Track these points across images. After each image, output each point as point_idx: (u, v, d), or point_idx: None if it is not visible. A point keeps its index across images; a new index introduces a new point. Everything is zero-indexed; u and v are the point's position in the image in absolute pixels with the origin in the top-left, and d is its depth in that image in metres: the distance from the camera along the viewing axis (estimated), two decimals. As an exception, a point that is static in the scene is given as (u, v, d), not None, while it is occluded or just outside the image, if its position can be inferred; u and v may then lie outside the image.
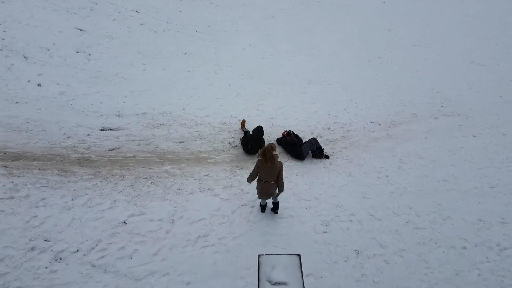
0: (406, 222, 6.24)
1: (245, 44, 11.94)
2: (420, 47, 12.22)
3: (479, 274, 5.43)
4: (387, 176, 7.39)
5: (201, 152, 7.76)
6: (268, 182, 5.69)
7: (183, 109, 8.85)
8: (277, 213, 6.28)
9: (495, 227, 6.04)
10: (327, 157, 7.85)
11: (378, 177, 7.37)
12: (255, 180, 5.84)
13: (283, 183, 5.74)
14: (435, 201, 6.59)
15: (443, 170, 7.37)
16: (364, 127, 9.23)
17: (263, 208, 6.36)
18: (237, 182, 6.90)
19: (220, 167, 7.32)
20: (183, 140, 8.00)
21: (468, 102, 9.75)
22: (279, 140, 8.19)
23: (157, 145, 7.82)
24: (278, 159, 5.63)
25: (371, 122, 9.43)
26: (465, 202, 6.55)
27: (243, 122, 8.53)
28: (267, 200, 6.32)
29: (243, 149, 7.89)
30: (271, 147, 5.54)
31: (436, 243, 5.87)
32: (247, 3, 13.86)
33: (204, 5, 13.37)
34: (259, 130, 7.99)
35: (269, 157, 5.45)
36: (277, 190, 5.85)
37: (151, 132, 8.11)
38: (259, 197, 5.96)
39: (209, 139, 8.11)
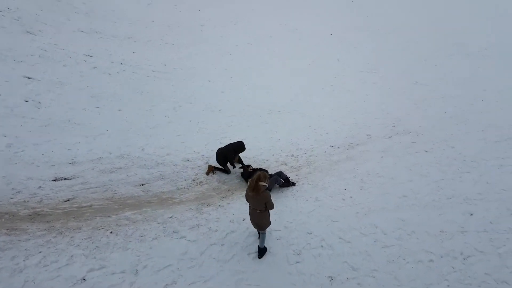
0: (374, 242, 6.33)
1: (203, 80, 12.08)
2: (367, 73, 12.97)
3: (448, 285, 5.56)
4: (351, 197, 7.53)
5: (163, 193, 7.53)
6: (255, 210, 5.61)
7: (142, 149, 8.64)
8: (260, 257, 6.07)
9: (457, 237, 6.27)
10: (293, 184, 7.92)
11: (343, 199, 7.49)
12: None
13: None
14: (399, 217, 6.77)
15: (402, 186, 7.65)
16: (325, 151, 9.47)
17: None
18: (204, 221, 6.72)
19: (185, 206, 7.12)
20: (144, 183, 7.75)
21: (417, 120, 10.36)
22: (243, 174, 8.17)
23: (115, 190, 7.50)
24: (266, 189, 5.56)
25: (331, 146, 9.70)
26: (426, 215, 6.79)
27: (210, 168, 8.33)
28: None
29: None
30: (260, 176, 5.48)
31: (404, 259, 5.97)
32: (202, 41, 14.17)
33: (159, 45, 13.49)
34: (235, 144, 8.01)
35: (254, 186, 5.41)
36: (266, 225, 5.72)
37: (108, 178, 7.79)
38: (251, 223, 5.86)
39: (172, 178, 7.92)
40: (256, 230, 6.15)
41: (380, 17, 16.57)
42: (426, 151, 8.86)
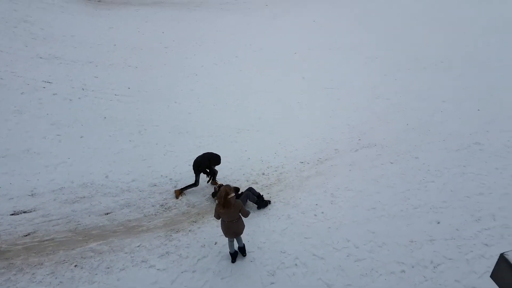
0: (347, 256, 6.33)
1: (169, 101, 11.95)
2: (332, 90, 13.32)
3: (421, 295, 5.61)
4: (322, 213, 7.55)
5: (130, 221, 7.24)
6: (231, 221, 5.67)
7: (106, 176, 8.33)
8: (245, 255, 6.25)
9: (426, 246, 6.39)
10: (269, 202, 7.82)
11: (315, 215, 7.49)
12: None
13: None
14: (369, 230, 6.84)
15: (370, 199, 7.76)
16: (295, 168, 9.52)
17: (233, 257, 6.15)
18: (174, 248, 6.49)
19: (153, 234, 6.86)
20: (109, 211, 7.43)
21: (381, 133, 10.67)
22: (214, 195, 8.02)
23: (78, 221, 7.14)
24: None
25: (300, 162, 9.78)
26: (395, 226, 6.90)
27: (177, 192, 8.08)
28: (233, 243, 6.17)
29: None
30: (226, 191, 5.52)
31: (377, 272, 5.99)
32: (166, 62, 14.10)
33: (122, 68, 13.28)
34: (212, 155, 7.99)
35: (224, 202, 5.46)
36: (243, 228, 5.87)
37: (70, 208, 7.42)
38: (225, 236, 5.86)
39: (138, 205, 7.65)
40: (231, 238, 6.12)
41: (340, 35, 17.20)
42: (391, 163, 9.09)
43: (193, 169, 7.99)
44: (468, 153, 9.15)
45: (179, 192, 8.00)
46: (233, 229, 5.79)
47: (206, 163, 8.00)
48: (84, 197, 7.74)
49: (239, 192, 7.90)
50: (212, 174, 8.29)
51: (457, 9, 19.83)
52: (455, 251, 6.25)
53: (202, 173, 8.11)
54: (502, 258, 3.13)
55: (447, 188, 7.91)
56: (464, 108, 11.43)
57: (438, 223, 6.93)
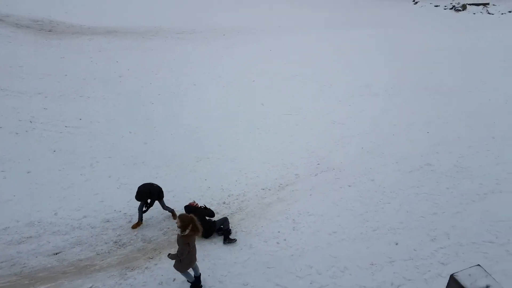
0: (310, 283, 6.23)
1: (123, 131, 11.56)
2: (290, 115, 13.59)
3: (384, 319, 5.59)
4: (285, 240, 7.46)
5: (81, 260, 6.72)
6: (194, 245, 5.76)
7: (55, 214, 7.76)
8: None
9: (386, 268, 6.46)
10: (235, 240, 7.49)
11: (278, 243, 7.39)
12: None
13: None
14: (331, 255, 6.82)
15: (331, 223, 7.81)
16: (257, 195, 9.44)
17: (199, 280, 6.09)
18: (129, 287, 6.06)
19: (106, 273, 6.40)
20: (58, 251, 6.88)
21: (338, 157, 10.94)
22: (188, 209, 7.58)
23: (24, 264, 6.54)
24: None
25: (262, 189, 9.72)
26: (355, 249, 6.95)
27: (134, 226, 7.68)
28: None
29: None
30: (192, 217, 5.61)
31: (341, 298, 5.94)
32: (121, 92, 13.76)
33: (73, 98, 12.78)
34: (158, 188, 7.70)
35: (196, 227, 5.52)
36: None
37: (16, 250, 6.81)
38: (191, 266, 5.79)
39: (90, 242, 7.15)
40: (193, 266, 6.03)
41: (296, 63, 17.81)
42: (349, 186, 9.28)
43: (140, 197, 7.58)
44: (420, 174, 9.56)
45: (136, 226, 7.64)
46: (195, 251, 5.83)
47: (155, 196, 7.70)
48: (31, 236, 7.14)
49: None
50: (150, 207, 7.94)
51: (405, 39, 21.37)
52: (414, 272, 6.36)
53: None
54: (452, 279, 3.20)
55: (403, 209, 8.16)
56: (414, 131, 12.07)
57: (397, 244, 7.07)
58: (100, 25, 19.45)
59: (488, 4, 28.05)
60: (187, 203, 7.75)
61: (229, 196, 9.27)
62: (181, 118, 12.71)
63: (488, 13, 26.61)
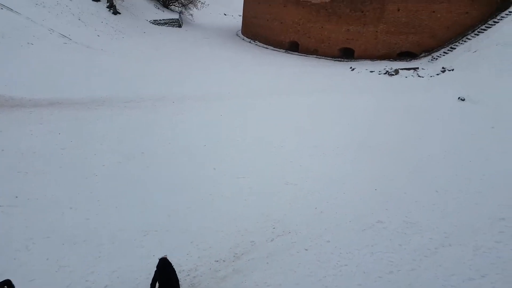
0: None
1: (63, 208, 10.70)
2: (243, 178, 13.49)
3: None
4: (241, 319, 6.88)
5: None
6: None
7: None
8: None
9: None
10: None
11: (234, 323, 6.77)
12: None
13: None
14: (292, 331, 6.34)
15: (290, 293, 7.40)
16: (210, 268, 8.88)
17: None
18: None
19: None
20: None
21: (293, 219, 10.80)
22: None
23: None
24: None
25: (215, 261, 9.19)
26: (317, 322, 6.54)
27: None
28: None
29: None
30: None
31: None
32: (62, 165, 12.97)
33: (9, 176, 11.83)
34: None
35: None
36: None
37: None
38: None
39: None
40: None
41: (246, 126, 18.22)
42: (306, 250, 9.06)
43: None
44: (373, 232, 9.64)
45: None
46: None
47: None
48: None
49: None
50: None
51: (347, 102, 22.97)
52: None
53: None
54: None
55: (360, 270, 8.02)
56: (363, 189, 12.41)
57: (357, 310, 6.78)
58: (43, 97, 18.88)
59: (417, 68, 31.45)
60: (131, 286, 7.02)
61: (179, 272, 8.57)
62: (127, 189, 12.09)
63: (419, 76, 29.74)
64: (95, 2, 41.42)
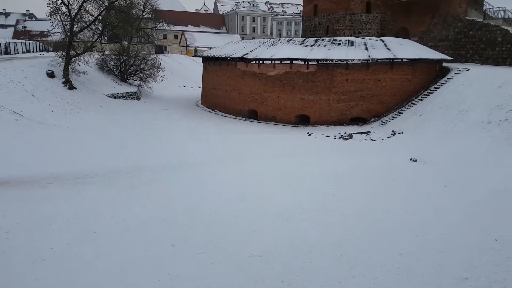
0: None
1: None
2: (204, 253, 12.70)
3: None
4: None
5: None
6: None
7: None
8: None
9: None
10: None
11: None
12: None
13: None
14: None
15: None
16: None
17: None
18: None
19: None
20: None
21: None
22: None
23: None
24: None
25: None
26: None
27: None
28: None
29: None
30: None
31: None
32: (6, 250, 11.63)
33: None
34: None
35: None
36: None
37: None
38: None
39: None
40: None
41: (207, 196, 17.74)
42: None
43: None
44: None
45: None
46: None
47: None
48: None
49: None
50: None
51: (306, 167, 23.39)
52: None
53: None
54: None
55: None
56: (329, 256, 12.06)
57: None
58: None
59: (369, 132, 33.37)
60: None
61: None
62: (76, 274, 10.86)
63: (371, 139, 31.44)
64: (50, 78, 41.49)
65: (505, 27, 36.85)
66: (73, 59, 43.04)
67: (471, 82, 32.86)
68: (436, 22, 44.33)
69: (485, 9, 42.29)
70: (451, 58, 40.40)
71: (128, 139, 29.59)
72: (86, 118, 34.64)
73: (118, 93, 47.85)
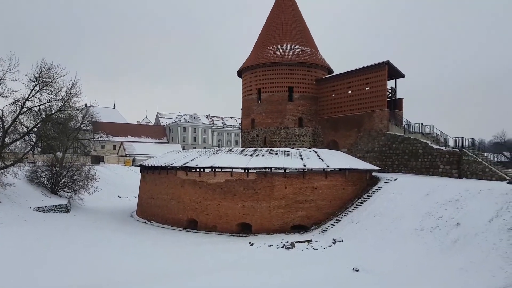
0: None
1: None
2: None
3: None
4: None
5: None
6: None
7: None
8: None
9: None
10: None
11: None
12: None
13: None
14: None
15: None
16: None
17: None
18: None
19: None
20: None
21: None
22: None
23: None
24: None
25: None
26: None
27: None
28: None
29: None
30: None
31: None
32: None
33: None
34: None
35: None
36: None
37: None
38: None
39: None
40: None
41: (160, 259, 15.15)
42: None
43: None
44: None
45: None
46: None
47: None
48: None
49: None
50: None
51: (246, 281, 21.70)
52: None
53: None
54: None
55: None
56: None
57: None
58: None
59: (311, 240, 33.04)
60: None
61: None
62: None
63: (313, 248, 30.92)
64: (-27, 188, 37.16)
65: (424, 140, 41.96)
66: (0, 171, 39.79)
67: (401, 190, 34.94)
68: (362, 136, 49.51)
69: (404, 124, 47.98)
70: (380, 168, 43.29)
71: (53, 256, 25.87)
72: (6, 236, 30.45)
73: (46, 206, 43.58)
